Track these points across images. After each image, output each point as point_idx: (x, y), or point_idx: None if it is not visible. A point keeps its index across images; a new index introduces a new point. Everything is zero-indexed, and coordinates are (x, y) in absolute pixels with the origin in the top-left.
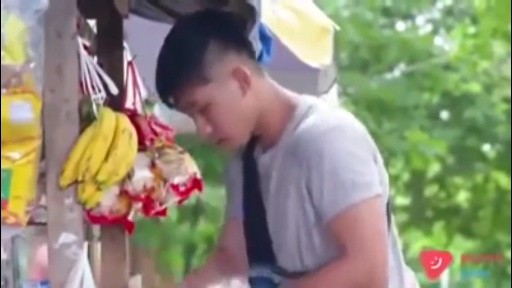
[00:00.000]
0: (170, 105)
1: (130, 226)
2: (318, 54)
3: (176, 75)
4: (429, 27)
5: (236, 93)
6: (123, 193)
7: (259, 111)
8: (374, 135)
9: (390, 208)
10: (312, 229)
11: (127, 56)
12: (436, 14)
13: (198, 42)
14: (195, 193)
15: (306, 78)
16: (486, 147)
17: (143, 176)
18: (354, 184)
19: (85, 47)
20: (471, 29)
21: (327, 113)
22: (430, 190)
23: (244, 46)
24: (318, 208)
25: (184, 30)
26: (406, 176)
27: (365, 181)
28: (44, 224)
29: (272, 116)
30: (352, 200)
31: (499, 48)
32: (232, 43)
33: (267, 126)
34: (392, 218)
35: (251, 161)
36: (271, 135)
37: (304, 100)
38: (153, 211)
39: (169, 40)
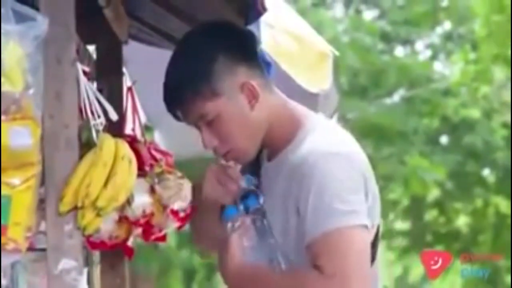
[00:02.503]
0: (177, 118)
1: (129, 252)
2: (317, 79)
3: (185, 88)
4: (428, 53)
5: (244, 108)
6: (123, 219)
7: (267, 125)
8: (373, 160)
9: (378, 241)
10: (291, 245)
11: (127, 82)
12: (436, 39)
13: (207, 55)
14: None
15: (306, 104)
16: (486, 172)
17: (142, 201)
18: (337, 210)
19: (85, 73)
20: (472, 55)
21: (329, 137)
22: (430, 215)
23: (253, 60)
24: (301, 228)
25: (193, 42)
26: (405, 201)
27: (350, 209)
28: (44, 250)
29: (278, 132)
30: (333, 225)
31: (499, 73)
32: (241, 57)
33: (273, 140)
34: (378, 252)
35: (255, 166)
36: (276, 147)
37: (311, 117)
38: (152, 237)
39: (178, 52)
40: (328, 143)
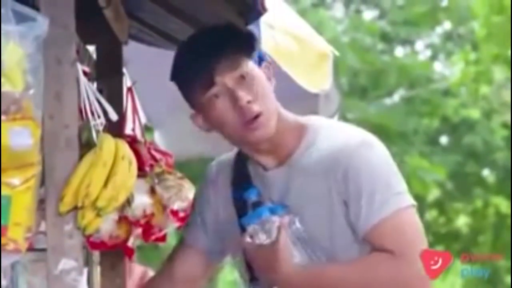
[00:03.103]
0: (209, 84)
1: (129, 252)
2: (317, 80)
3: (230, 43)
4: (428, 53)
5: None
6: (123, 219)
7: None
8: None
9: None
10: (335, 243)
11: (127, 82)
12: (436, 40)
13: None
14: None
15: (306, 104)
16: (486, 172)
17: (142, 202)
18: (391, 194)
19: (85, 73)
20: (472, 55)
21: (348, 129)
22: (430, 215)
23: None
24: (353, 221)
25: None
26: None
27: (401, 190)
28: (44, 250)
29: (282, 137)
30: (391, 209)
31: (499, 73)
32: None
33: (277, 146)
34: None
35: (246, 178)
36: (279, 152)
37: (313, 120)
38: (152, 237)
39: (203, 30)
40: (353, 135)
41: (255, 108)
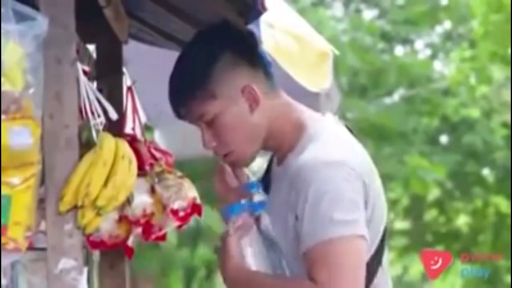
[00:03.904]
0: (180, 117)
1: (129, 251)
2: (317, 79)
3: (184, 89)
4: (428, 52)
5: (244, 111)
6: (123, 218)
7: (268, 130)
8: (373, 160)
9: (386, 242)
10: (290, 254)
11: (127, 81)
12: (435, 39)
13: (208, 57)
14: (195, 217)
15: (307, 103)
16: (486, 172)
17: (142, 201)
18: (333, 220)
19: (85, 72)
20: (469, 53)
21: (329, 144)
22: (430, 215)
23: (258, 64)
24: (298, 236)
25: (195, 45)
26: (405, 201)
27: (347, 219)
28: (44, 249)
29: (282, 137)
30: (329, 235)
31: (498, 73)
32: (244, 60)
33: (279, 146)
34: (385, 256)
35: (267, 171)
36: (283, 152)
37: (316, 122)
38: (152, 236)
39: (181, 55)
40: (327, 151)
41: (222, 151)
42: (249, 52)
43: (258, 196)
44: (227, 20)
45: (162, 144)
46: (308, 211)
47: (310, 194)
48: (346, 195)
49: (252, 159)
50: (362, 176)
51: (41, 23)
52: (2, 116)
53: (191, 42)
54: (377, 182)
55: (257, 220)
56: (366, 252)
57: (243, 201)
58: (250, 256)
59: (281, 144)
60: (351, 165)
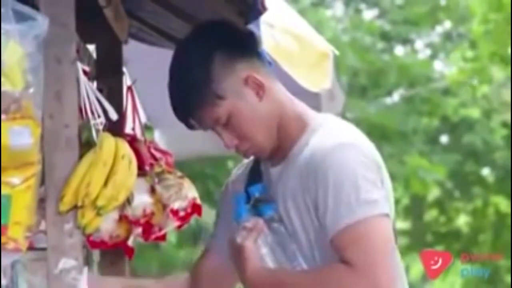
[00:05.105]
0: (192, 127)
1: (129, 251)
2: (318, 79)
3: (190, 100)
4: (428, 52)
5: (253, 101)
6: (123, 218)
7: (279, 114)
8: None
9: (395, 229)
10: (314, 243)
11: (127, 81)
12: (435, 39)
13: (203, 59)
14: (195, 217)
15: (308, 104)
16: (485, 172)
17: (142, 201)
18: (359, 200)
19: (85, 72)
20: (470, 53)
21: (338, 130)
22: (430, 215)
23: (252, 53)
24: (322, 223)
25: (187, 49)
26: (405, 201)
27: (371, 198)
28: (44, 249)
29: (285, 130)
30: (356, 217)
31: (498, 72)
32: (238, 53)
33: (280, 140)
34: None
35: (258, 175)
36: (283, 148)
37: (316, 117)
38: (152, 236)
39: (175, 62)
40: (334, 135)
41: (243, 147)
42: (239, 43)
43: (264, 198)
44: (210, 19)
45: (162, 144)
46: (331, 197)
47: (330, 180)
48: (364, 176)
49: (271, 148)
50: (374, 157)
51: (41, 23)
52: (2, 116)
53: (180, 50)
54: (385, 170)
55: (267, 221)
56: (391, 229)
57: (248, 205)
58: (267, 256)
59: (283, 138)
60: (362, 146)
